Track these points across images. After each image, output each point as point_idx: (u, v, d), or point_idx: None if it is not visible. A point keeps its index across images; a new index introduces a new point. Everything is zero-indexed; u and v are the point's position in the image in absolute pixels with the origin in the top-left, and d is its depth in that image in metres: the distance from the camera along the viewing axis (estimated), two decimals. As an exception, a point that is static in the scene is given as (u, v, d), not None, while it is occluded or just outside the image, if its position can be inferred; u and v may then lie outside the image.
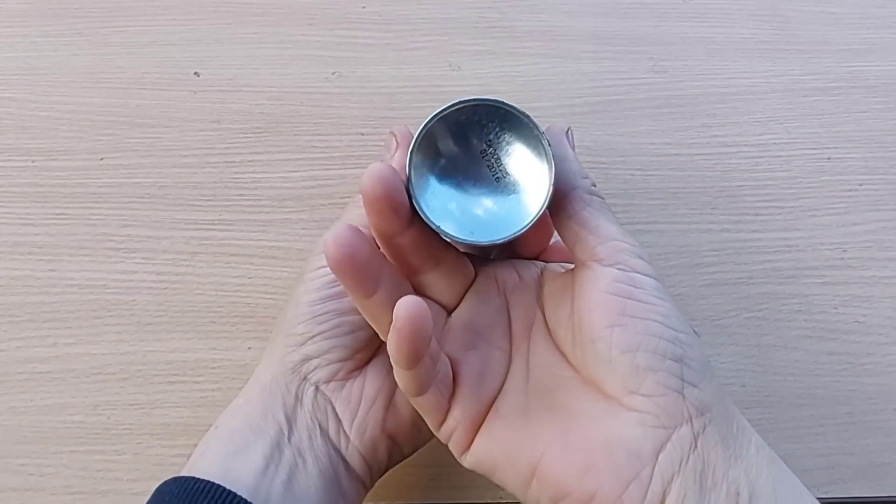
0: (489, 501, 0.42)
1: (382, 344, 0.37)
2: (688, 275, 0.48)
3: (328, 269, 0.32)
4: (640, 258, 0.32)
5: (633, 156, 0.50)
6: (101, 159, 0.48)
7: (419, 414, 0.34)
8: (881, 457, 0.45)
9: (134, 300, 0.45)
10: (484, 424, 0.33)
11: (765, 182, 0.50)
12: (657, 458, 0.29)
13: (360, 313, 0.34)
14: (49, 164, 0.48)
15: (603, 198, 0.34)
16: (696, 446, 0.29)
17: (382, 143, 0.49)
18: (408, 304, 0.28)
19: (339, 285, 0.36)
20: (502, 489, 0.42)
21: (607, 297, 0.31)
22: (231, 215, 0.47)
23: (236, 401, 0.36)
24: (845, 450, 0.45)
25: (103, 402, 0.43)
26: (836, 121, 0.52)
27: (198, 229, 0.47)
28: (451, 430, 0.33)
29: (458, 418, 0.33)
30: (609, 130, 0.50)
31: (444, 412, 0.33)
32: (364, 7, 0.52)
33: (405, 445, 0.37)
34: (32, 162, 0.48)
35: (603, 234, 0.32)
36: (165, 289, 0.46)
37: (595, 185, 0.34)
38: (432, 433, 0.34)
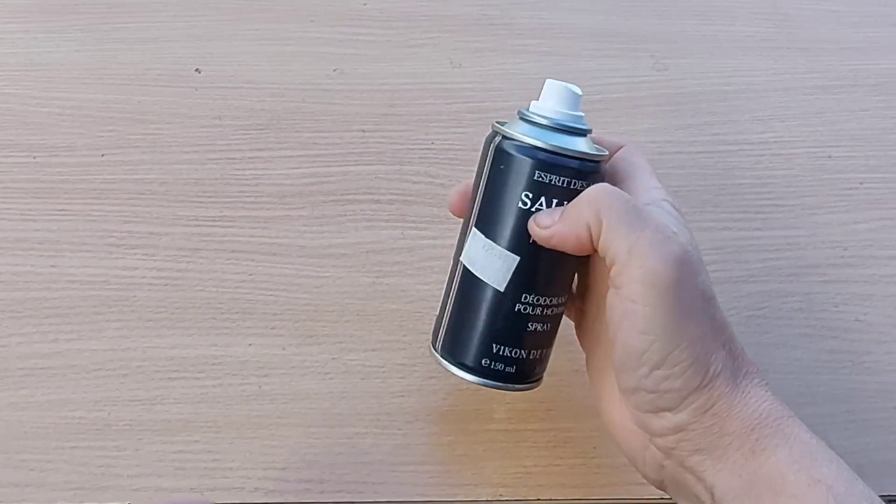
0: (488, 499, 0.42)
1: None
2: (688, 273, 0.48)
3: None
4: (637, 291, 0.33)
5: (635, 153, 0.50)
6: (103, 155, 0.48)
7: None
8: (882, 455, 0.45)
9: (135, 296, 0.45)
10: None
11: (766, 180, 0.50)
12: (646, 451, 0.34)
13: None
14: (50, 160, 0.48)
15: None
16: (672, 454, 0.33)
17: (384, 140, 0.49)
18: None
19: None
20: (502, 486, 0.42)
21: (608, 314, 0.33)
22: (232, 212, 0.47)
23: None
24: (846, 448, 0.45)
25: (104, 398, 0.43)
26: (837, 119, 0.52)
27: (199, 226, 0.47)
28: None
29: None
30: (610, 128, 0.50)
31: None
32: (365, 4, 0.52)
33: None
34: (34, 158, 0.48)
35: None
36: (166, 285, 0.46)
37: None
38: None
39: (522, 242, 0.36)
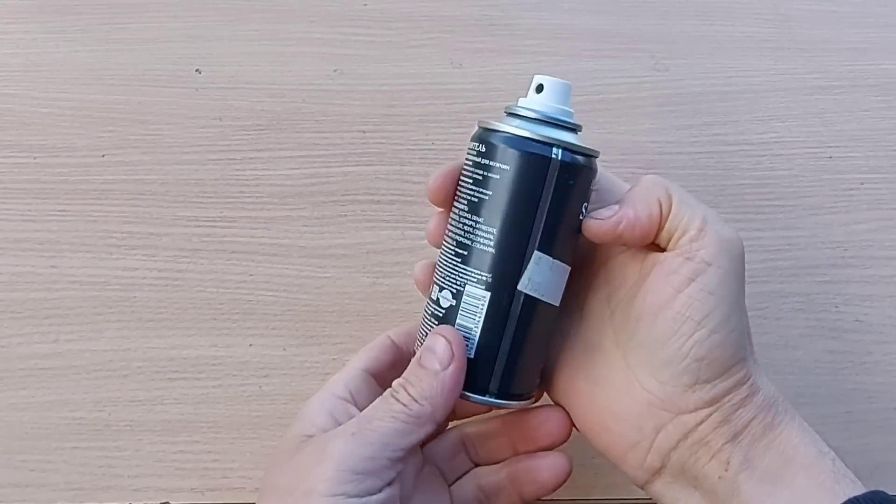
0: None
1: None
2: (689, 273, 0.48)
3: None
4: (713, 254, 0.34)
5: (635, 154, 0.50)
6: (103, 156, 0.48)
7: None
8: (881, 455, 0.45)
9: (135, 297, 0.45)
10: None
11: (766, 181, 0.50)
12: (657, 435, 0.34)
13: None
14: (50, 160, 0.48)
15: None
16: (695, 430, 0.34)
17: (384, 141, 0.49)
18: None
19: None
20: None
21: (664, 283, 0.34)
22: (232, 212, 0.47)
23: None
24: (845, 448, 0.44)
25: (104, 399, 0.43)
26: (837, 119, 0.52)
27: (199, 226, 0.47)
28: None
29: None
30: (610, 129, 0.50)
31: None
32: (366, 5, 0.52)
33: None
34: (34, 158, 0.48)
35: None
36: (167, 285, 0.46)
37: None
38: None
39: (573, 251, 0.36)
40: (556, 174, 0.34)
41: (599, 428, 0.36)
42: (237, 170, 0.48)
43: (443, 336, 0.34)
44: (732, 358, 0.34)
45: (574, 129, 0.35)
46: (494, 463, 0.39)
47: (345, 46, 0.51)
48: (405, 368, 0.35)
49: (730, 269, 0.34)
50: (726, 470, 0.33)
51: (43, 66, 0.50)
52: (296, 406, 0.44)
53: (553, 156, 0.33)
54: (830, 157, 0.51)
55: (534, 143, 0.34)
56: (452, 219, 0.36)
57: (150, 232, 0.47)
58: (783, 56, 0.53)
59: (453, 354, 0.34)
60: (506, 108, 0.36)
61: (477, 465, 0.40)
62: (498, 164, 0.34)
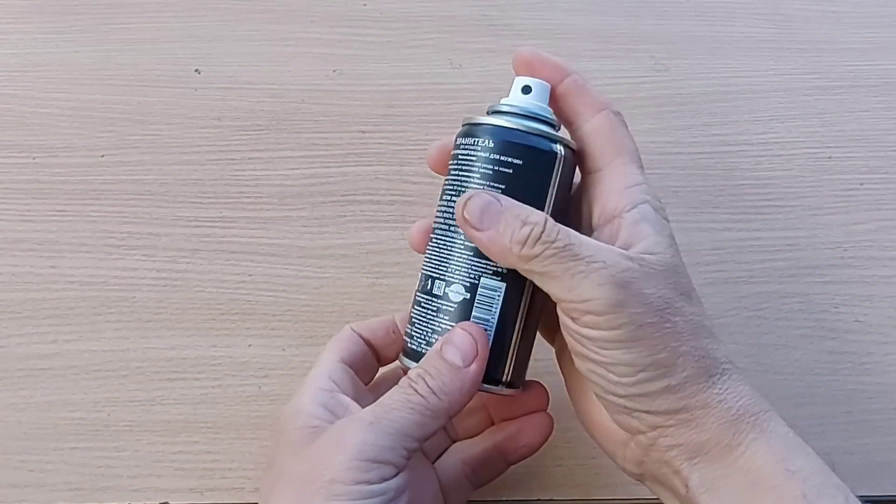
0: (489, 499, 0.42)
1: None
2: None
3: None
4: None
5: (634, 154, 0.50)
6: (102, 156, 0.48)
7: None
8: (881, 456, 0.45)
9: (134, 297, 0.45)
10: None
11: (766, 181, 0.50)
12: (626, 447, 0.35)
13: None
14: (50, 160, 0.48)
15: None
16: (652, 448, 0.34)
17: (383, 141, 0.49)
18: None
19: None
20: (502, 487, 0.42)
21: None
22: (232, 212, 0.47)
23: None
24: (845, 449, 0.45)
25: (103, 399, 0.43)
26: (837, 120, 0.52)
27: (198, 226, 0.47)
28: None
29: None
30: (610, 129, 0.50)
31: None
32: (365, 5, 0.52)
33: None
34: (33, 158, 0.48)
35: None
36: (166, 286, 0.46)
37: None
38: None
39: None
40: (560, 167, 0.35)
41: (587, 424, 0.37)
42: (236, 170, 0.48)
43: (468, 332, 0.34)
44: (652, 394, 0.33)
45: (556, 125, 0.37)
46: (472, 436, 0.40)
47: (344, 46, 0.51)
48: (373, 360, 0.38)
49: (606, 328, 0.32)
50: (686, 489, 0.33)
51: (42, 66, 0.50)
52: (295, 406, 0.44)
53: (557, 151, 0.35)
54: (830, 158, 0.51)
55: (542, 139, 0.35)
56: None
57: (150, 232, 0.46)
58: (783, 56, 0.53)
59: (477, 353, 0.34)
60: (490, 107, 0.37)
61: (454, 442, 0.40)
62: (510, 159, 0.35)
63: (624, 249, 0.33)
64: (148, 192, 0.47)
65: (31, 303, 0.45)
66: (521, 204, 0.34)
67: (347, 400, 0.36)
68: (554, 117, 0.37)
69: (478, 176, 0.35)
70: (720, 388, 0.33)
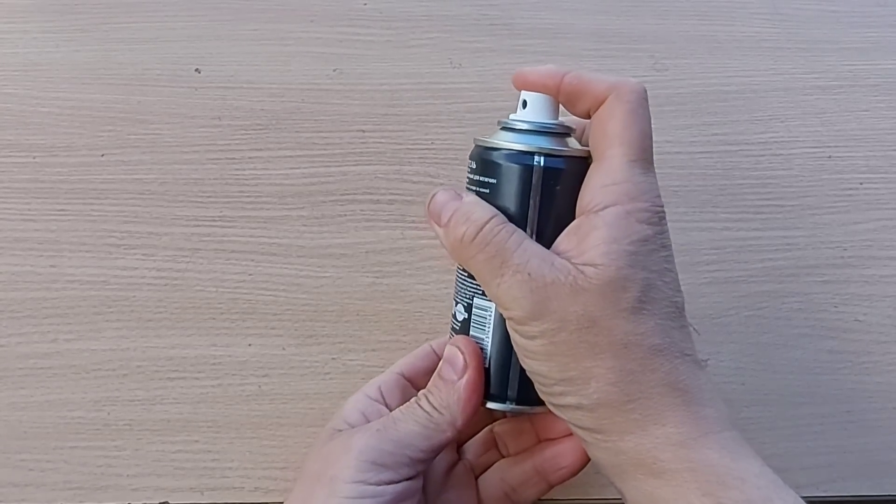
0: (489, 498, 0.42)
1: None
2: (688, 273, 0.47)
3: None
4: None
5: (634, 154, 0.50)
6: (102, 155, 0.48)
7: None
8: (880, 455, 0.45)
9: (134, 296, 0.45)
10: None
11: (765, 181, 0.50)
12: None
13: None
14: (50, 160, 0.48)
15: None
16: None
17: (383, 141, 0.49)
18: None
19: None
20: (502, 486, 0.42)
21: None
22: (232, 212, 0.47)
23: None
24: (845, 448, 0.45)
25: (103, 398, 0.43)
26: (837, 119, 0.52)
27: (198, 226, 0.47)
28: None
29: None
30: (610, 128, 0.50)
31: None
32: (365, 4, 0.52)
33: None
34: (33, 158, 0.48)
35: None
36: (166, 285, 0.46)
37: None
38: None
39: None
40: (540, 180, 0.35)
41: None
42: (236, 169, 0.48)
43: (457, 347, 0.36)
44: (570, 407, 0.33)
45: (563, 133, 0.36)
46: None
47: (344, 46, 0.51)
48: None
49: (520, 341, 0.34)
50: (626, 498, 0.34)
51: (42, 65, 0.50)
52: (295, 405, 0.44)
53: (535, 163, 0.35)
54: (830, 157, 0.51)
55: (514, 153, 0.35)
56: None
57: (150, 231, 0.47)
58: (783, 56, 0.53)
59: (466, 364, 0.35)
60: (497, 122, 0.38)
61: (503, 458, 0.41)
62: (487, 179, 0.36)
63: (573, 256, 0.33)
64: (148, 191, 0.47)
65: (32, 302, 0.45)
66: (479, 203, 0.35)
67: (385, 410, 0.38)
68: (559, 124, 0.36)
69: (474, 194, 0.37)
70: (641, 414, 0.32)
